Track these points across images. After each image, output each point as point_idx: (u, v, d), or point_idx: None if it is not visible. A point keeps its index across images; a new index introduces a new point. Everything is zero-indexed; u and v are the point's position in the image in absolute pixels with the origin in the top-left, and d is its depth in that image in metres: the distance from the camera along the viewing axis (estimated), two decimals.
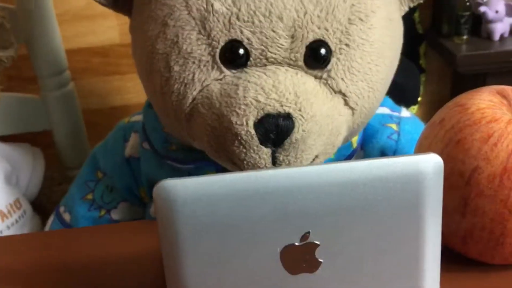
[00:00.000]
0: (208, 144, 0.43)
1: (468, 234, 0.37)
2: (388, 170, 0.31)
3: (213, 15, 0.42)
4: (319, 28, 0.42)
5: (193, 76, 0.43)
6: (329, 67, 0.43)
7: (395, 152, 0.53)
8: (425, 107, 1.14)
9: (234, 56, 0.42)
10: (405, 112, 0.57)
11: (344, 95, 0.43)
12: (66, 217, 0.60)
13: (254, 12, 0.42)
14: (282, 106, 0.40)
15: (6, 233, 0.66)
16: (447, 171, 0.36)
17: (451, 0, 1.05)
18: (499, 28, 1.03)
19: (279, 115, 0.40)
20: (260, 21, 0.42)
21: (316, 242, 0.32)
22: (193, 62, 0.43)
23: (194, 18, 0.43)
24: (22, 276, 0.43)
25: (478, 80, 1.05)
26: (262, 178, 0.31)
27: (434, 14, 1.11)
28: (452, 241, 0.39)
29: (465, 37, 1.04)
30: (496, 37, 1.04)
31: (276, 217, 0.31)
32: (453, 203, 0.37)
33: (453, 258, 0.39)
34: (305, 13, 0.42)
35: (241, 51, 0.42)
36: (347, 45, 0.43)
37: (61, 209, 0.61)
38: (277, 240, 0.31)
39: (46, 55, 0.72)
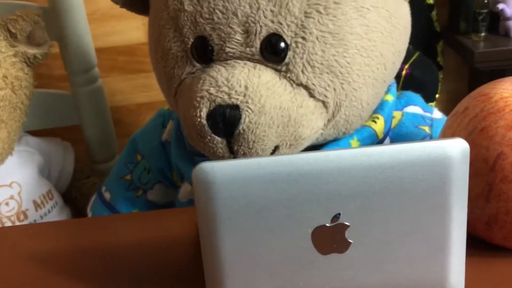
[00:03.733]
0: (186, 133, 0.47)
1: (492, 219, 0.38)
2: (416, 154, 0.32)
3: (184, 13, 0.45)
4: (272, 22, 0.43)
5: (174, 71, 0.47)
6: (286, 60, 0.43)
7: None
8: (443, 105, 1.14)
9: (202, 51, 0.45)
10: (436, 113, 0.57)
11: (306, 87, 0.44)
12: (107, 196, 0.63)
13: (214, 10, 0.44)
14: (230, 98, 0.42)
15: (39, 222, 0.68)
16: (472, 157, 0.37)
17: None
18: None
19: (227, 106, 0.42)
20: (218, 18, 0.44)
21: (346, 223, 0.33)
22: (172, 58, 0.46)
23: (172, 18, 0.46)
24: (58, 262, 0.44)
25: (495, 77, 1.03)
26: (295, 161, 0.32)
27: (451, 12, 1.11)
28: (477, 227, 0.40)
29: (482, 34, 1.04)
30: None
31: (308, 198, 0.32)
32: (478, 189, 0.38)
33: (477, 244, 0.40)
34: (258, 8, 0.43)
35: (210, 47, 0.45)
36: (303, 38, 0.43)
37: (103, 188, 0.64)
38: (309, 221, 0.33)
39: (77, 52, 0.75)
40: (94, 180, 0.79)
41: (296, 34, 0.43)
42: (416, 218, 0.33)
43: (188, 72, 0.46)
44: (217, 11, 0.44)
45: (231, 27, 0.44)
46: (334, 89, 0.44)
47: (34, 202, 0.69)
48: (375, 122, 0.51)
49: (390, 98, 0.53)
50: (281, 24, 0.43)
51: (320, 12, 0.43)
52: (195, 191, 0.33)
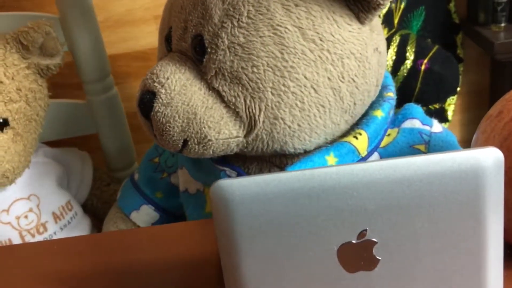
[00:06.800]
0: None
1: None
2: (446, 165, 0.30)
3: (168, 4, 0.51)
4: (200, 24, 0.46)
5: (159, 54, 0.53)
6: (204, 63, 0.46)
7: None
8: (464, 97, 1.12)
9: (168, 40, 0.51)
10: (436, 127, 0.54)
11: (218, 92, 0.46)
12: (136, 176, 0.66)
13: (177, 4, 0.48)
14: (153, 85, 0.46)
15: (59, 234, 0.68)
16: (507, 165, 0.35)
17: None
18: None
19: (149, 92, 0.46)
20: (178, 12, 0.48)
21: (374, 239, 0.31)
22: (160, 43, 0.53)
23: (166, 7, 0.52)
24: (82, 279, 0.44)
25: None
26: (318, 175, 0.31)
27: (469, 3, 1.08)
28: None
29: (502, 24, 1.02)
30: None
31: (333, 214, 0.31)
32: None
33: None
34: (195, 9, 0.46)
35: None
36: (216, 45, 0.44)
37: (136, 170, 0.67)
38: (334, 238, 0.31)
39: (91, 61, 0.74)
40: (115, 187, 0.79)
41: (212, 40, 0.45)
42: (449, 232, 0.32)
43: (160, 58, 0.51)
44: (179, 5, 0.48)
45: (180, 22, 0.48)
46: (245, 101, 0.45)
47: (53, 214, 0.68)
48: (356, 138, 0.49)
49: (379, 113, 0.51)
50: (204, 27, 0.45)
51: (233, 24, 0.44)
52: (213, 209, 0.32)
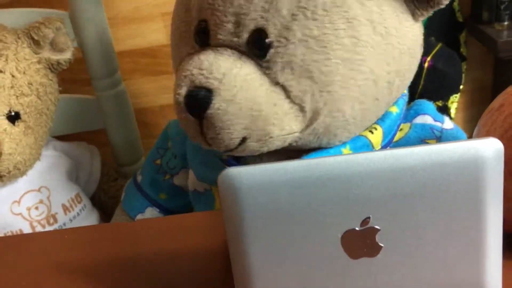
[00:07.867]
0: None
1: None
2: (447, 155, 0.31)
3: None
4: (262, 17, 0.43)
5: (178, 49, 0.50)
6: (267, 57, 0.44)
7: None
8: (467, 95, 1.12)
9: (201, 34, 0.47)
10: (448, 123, 0.55)
11: (284, 88, 0.44)
12: (139, 178, 0.66)
13: None
14: (207, 81, 0.44)
15: (68, 225, 0.69)
16: (508, 156, 0.36)
17: None
18: None
19: (203, 89, 0.44)
20: (218, 5, 0.45)
21: (377, 227, 0.32)
22: (180, 37, 0.49)
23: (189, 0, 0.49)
24: (92, 269, 0.45)
25: None
26: (323, 165, 0.32)
27: (473, 2, 1.09)
28: None
29: (506, 23, 1.02)
30: None
31: (337, 202, 0.32)
32: None
33: None
34: (251, 2, 0.43)
35: (208, 31, 0.46)
36: (286, 38, 0.43)
37: (138, 172, 0.67)
38: (338, 225, 0.32)
39: (99, 57, 0.75)
40: (121, 182, 0.80)
41: (280, 33, 0.43)
42: (449, 221, 0.32)
43: (187, 52, 0.48)
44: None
45: (225, 16, 0.45)
46: (312, 95, 0.44)
47: (63, 205, 0.70)
48: (372, 133, 0.50)
49: (394, 110, 0.52)
50: (268, 21, 0.43)
51: (306, 16, 0.43)
52: (222, 197, 0.33)
